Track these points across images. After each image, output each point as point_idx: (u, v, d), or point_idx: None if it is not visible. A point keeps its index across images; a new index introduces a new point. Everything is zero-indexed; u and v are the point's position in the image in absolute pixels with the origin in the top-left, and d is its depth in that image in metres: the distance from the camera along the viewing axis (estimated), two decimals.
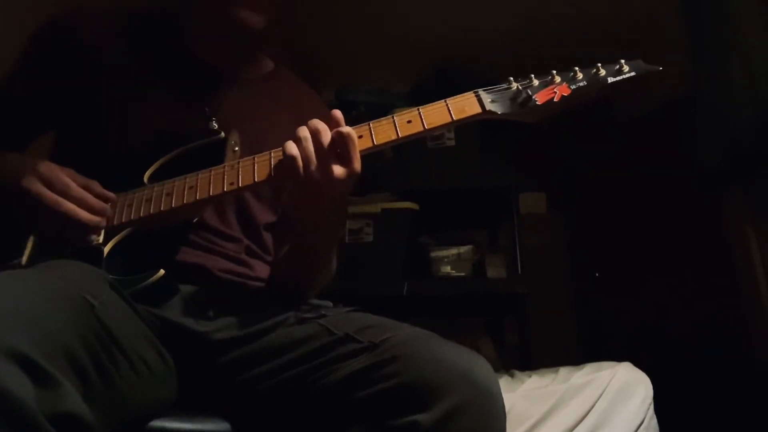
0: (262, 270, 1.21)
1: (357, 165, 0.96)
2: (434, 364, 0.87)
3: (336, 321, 1.00)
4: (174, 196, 1.04)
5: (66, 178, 1.03)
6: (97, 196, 1.06)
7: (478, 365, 0.90)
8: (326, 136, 0.96)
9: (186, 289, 1.07)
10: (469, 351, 0.93)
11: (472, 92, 1.01)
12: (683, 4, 2.20)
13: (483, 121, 1.00)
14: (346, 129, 0.96)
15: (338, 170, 0.95)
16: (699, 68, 2.12)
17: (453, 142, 2.29)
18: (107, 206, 1.05)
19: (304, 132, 0.97)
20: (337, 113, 0.98)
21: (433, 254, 2.26)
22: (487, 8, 2.48)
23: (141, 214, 1.04)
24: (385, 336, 0.92)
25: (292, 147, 0.96)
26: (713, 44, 2.05)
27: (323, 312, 1.05)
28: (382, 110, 2.30)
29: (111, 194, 1.07)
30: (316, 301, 1.18)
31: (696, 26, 2.14)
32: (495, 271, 2.25)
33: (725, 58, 1.98)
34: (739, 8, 1.95)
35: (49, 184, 1.02)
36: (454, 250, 2.27)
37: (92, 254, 1.01)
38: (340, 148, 0.96)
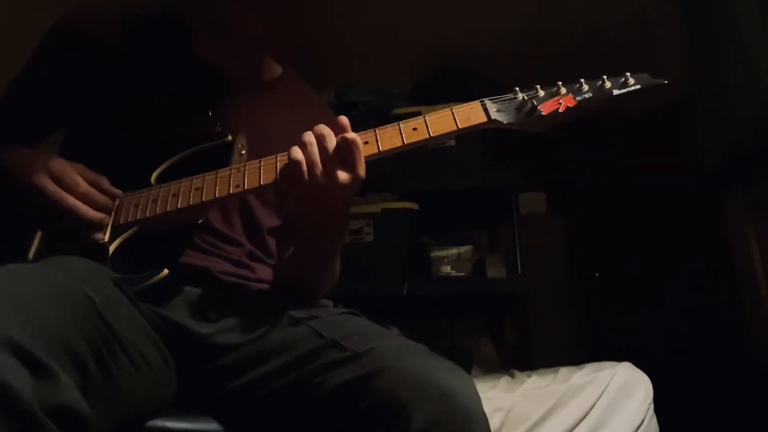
0: (264, 273, 1.21)
1: (361, 171, 0.97)
2: (411, 380, 0.86)
3: (326, 324, 1.01)
4: (180, 197, 1.04)
5: (75, 174, 1.04)
6: (104, 192, 1.06)
7: (459, 382, 0.88)
8: (331, 141, 0.96)
9: (189, 290, 1.08)
10: (452, 367, 0.92)
11: (477, 101, 1.01)
12: (683, 4, 2.20)
13: (487, 129, 1.01)
14: (351, 135, 0.96)
15: (343, 176, 0.95)
16: (699, 68, 2.12)
17: (453, 143, 2.29)
18: (112, 203, 1.06)
19: (309, 137, 0.97)
20: (344, 119, 0.98)
21: (433, 254, 2.26)
22: (488, 8, 2.47)
23: (147, 214, 1.05)
24: (369, 346, 0.92)
25: (297, 152, 0.96)
26: (713, 44, 2.05)
27: (315, 313, 1.05)
28: (383, 110, 2.31)
29: (117, 191, 1.08)
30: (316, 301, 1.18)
31: (696, 26, 2.14)
32: (495, 271, 2.25)
33: (725, 58, 1.99)
34: (739, 8, 1.95)
35: (58, 180, 1.03)
36: (454, 250, 2.27)
37: (98, 252, 1.01)
38: (345, 154, 0.96)
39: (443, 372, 0.89)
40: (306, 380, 0.94)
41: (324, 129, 0.97)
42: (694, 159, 2.11)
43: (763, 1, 1.89)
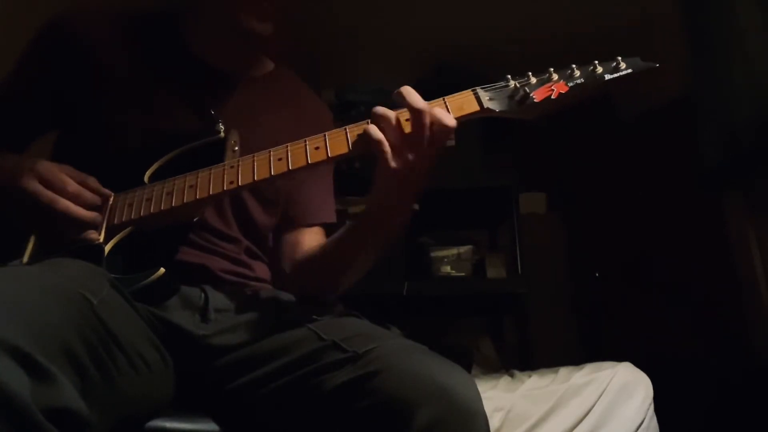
0: (261, 270, 1.21)
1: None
2: (413, 379, 0.86)
3: (326, 326, 1.00)
4: (174, 196, 1.04)
5: (63, 176, 1.03)
6: (93, 191, 1.06)
7: (460, 382, 0.88)
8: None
9: (186, 289, 1.07)
10: (453, 367, 0.92)
11: (470, 90, 1.01)
12: (683, 4, 2.20)
13: (481, 118, 1.00)
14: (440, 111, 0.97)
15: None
16: (699, 68, 2.12)
17: (453, 142, 2.28)
18: (104, 202, 1.06)
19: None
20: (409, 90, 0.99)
21: (433, 254, 2.26)
22: (487, 7, 2.48)
23: (141, 214, 1.04)
24: (370, 346, 0.92)
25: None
26: (713, 44, 2.05)
27: (314, 317, 1.05)
28: None
29: (107, 191, 1.07)
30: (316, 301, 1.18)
31: (696, 26, 2.14)
32: (495, 271, 2.25)
33: (725, 58, 1.99)
34: (738, 8, 1.95)
35: (47, 183, 1.02)
36: (454, 250, 2.27)
37: (93, 253, 1.01)
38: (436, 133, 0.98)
39: (445, 371, 0.89)
40: (306, 380, 0.94)
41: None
42: (694, 159, 2.11)
43: (763, 1, 1.89)
